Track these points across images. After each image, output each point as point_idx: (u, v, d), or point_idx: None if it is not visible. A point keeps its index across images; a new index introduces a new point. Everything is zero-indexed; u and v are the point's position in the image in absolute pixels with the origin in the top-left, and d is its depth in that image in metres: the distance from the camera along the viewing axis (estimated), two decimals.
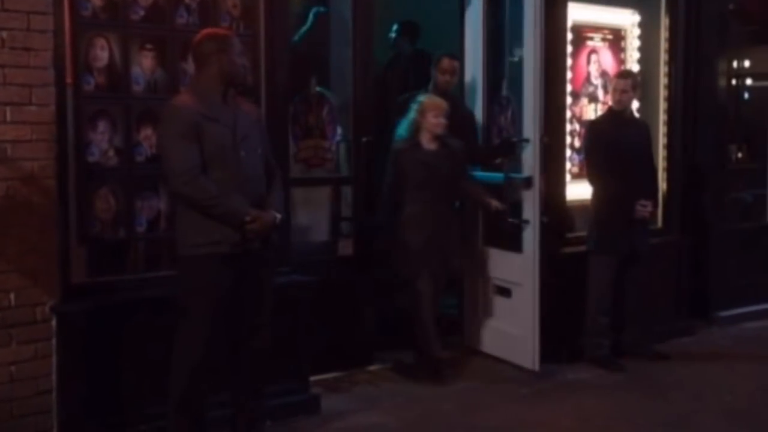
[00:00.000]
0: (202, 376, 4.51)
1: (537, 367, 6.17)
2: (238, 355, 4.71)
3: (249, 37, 5.38)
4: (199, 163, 4.38)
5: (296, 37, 6.41)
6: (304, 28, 6.64)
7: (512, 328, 6.38)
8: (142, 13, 5.06)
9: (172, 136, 4.43)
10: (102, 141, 4.95)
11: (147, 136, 5.01)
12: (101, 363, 4.79)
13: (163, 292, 4.76)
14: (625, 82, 6.54)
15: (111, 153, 4.98)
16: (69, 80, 4.79)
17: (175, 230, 4.64)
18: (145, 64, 5.08)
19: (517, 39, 6.62)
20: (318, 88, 6.27)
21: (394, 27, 7.88)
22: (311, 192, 6.31)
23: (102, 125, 4.94)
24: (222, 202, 4.39)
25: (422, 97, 6.16)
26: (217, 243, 4.41)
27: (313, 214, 6.36)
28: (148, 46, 5.08)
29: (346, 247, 6.30)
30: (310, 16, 6.66)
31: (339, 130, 6.32)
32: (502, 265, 6.52)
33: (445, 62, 6.52)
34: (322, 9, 6.66)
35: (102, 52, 4.94)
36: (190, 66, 4.98)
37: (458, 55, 6.80)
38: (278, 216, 4.58)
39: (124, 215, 5.03)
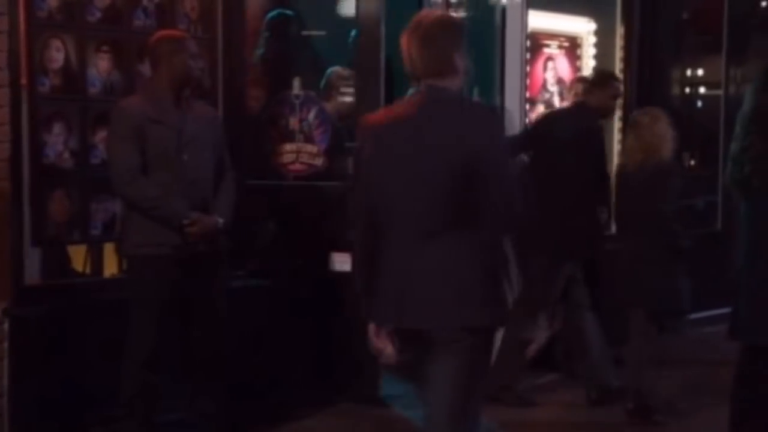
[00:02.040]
0: (150, 376, 4.49)
1: None
2: (191, 357, 4.70)
3: (207, 39, 5.38)
4: (139, 164, 4.38)
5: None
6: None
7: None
8: (98, 14, 5.03)
9: (115, 137, 4.48)
10: (57, 143, 4.91)
11: (103, 138, 4.96)
12: (55, 366, 4.75)
13: (117, 294, 4.73)
14: (585, 87, 6.59)
15: (66, 155, 4.95)
16: (24, 81, 4.74)
17: (122, 230, 4.67)
18: (101, 66, 5.05)
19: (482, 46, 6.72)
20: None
21: (353, 33, 7.88)
22: (292, 199, 6.03)
23: (57, 127, 4.91)
24: (161, 205, 4.40)
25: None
26: (160, 244, 4.42)
27: (297, 224, 6.10)
28: (105, 47, 5.05)
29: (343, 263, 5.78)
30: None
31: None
32: None
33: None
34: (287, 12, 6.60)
35: (58, 54, 4.91)
36: (146, 68, 4.96)
37: None
38: (221, 220, 4.57)
39: (79, 218, 5.00)
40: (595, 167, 5.87)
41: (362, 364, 5.57)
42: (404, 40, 3.23)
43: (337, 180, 5.83)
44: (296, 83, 5.99)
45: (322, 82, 6.14)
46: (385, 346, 3.25)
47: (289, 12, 6.39)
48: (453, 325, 3.08)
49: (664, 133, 5.52)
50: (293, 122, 5.94)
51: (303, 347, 5.76)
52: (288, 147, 5.93)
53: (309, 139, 5.94)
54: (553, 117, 6.41)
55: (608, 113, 6.23)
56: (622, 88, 6.36)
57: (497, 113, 3.36)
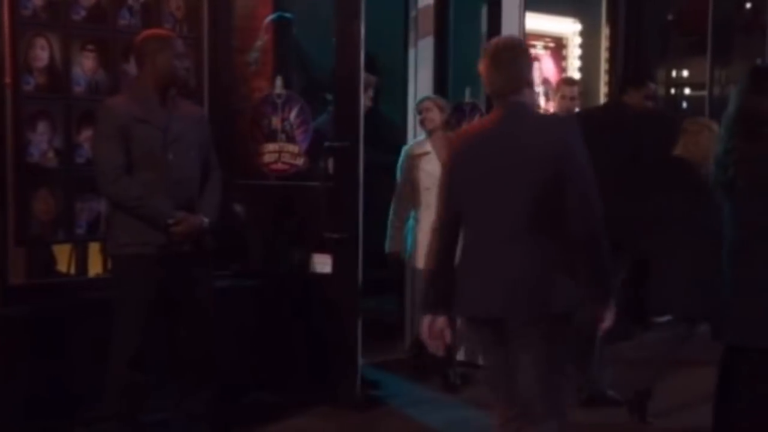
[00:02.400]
0: (136, 376, 4.48)
1: None
2: (176, 356, 4.69)
3: (192, 39, 5.37)
4: (124, 164, 4.37)
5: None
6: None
7: None
8: (83, 13, 5.02)
9: (100, 137, 4.46)
10: (41, 142, 4.89)
11: (87, 137, 4.94)
12: (40, 366, 4.74)
13: (102, 294, 4.72)
14: (571, 89, 6.61)
15: (51, 154, 4.93)
16: (8, 80, 4.73)
17: (107, 229, 4.67)
18: (86, 65, 5.04)
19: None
20: None
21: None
22: (276, 199, 6.00)
23: (42, 126, 4.89)
24: (145, 204, 4.39)
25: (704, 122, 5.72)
26: (145, 244, 4.41)
27: (279, 224, 6.07)
28: (90, 46, 5.04)
29: (324, 264, 5.75)
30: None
31: None
32: None
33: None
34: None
35: (42, 52, 4.89)
36: (132, 67, 4.96)
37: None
38: (206, 220, 4.57)
39: (64, 217, 4.98)
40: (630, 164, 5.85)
41: (347, 365, 5.60)
42: (482, 64, 3.67)
43: (319, 180, 5.79)
44: (278, 82, 5.93)
45: None
46: (438, 338, 3.66)
47: (288, 15, 6.38)
48: (533, 313, 3.50)
49: (709, 144, 5.49)
50: (275, 122, 5.90)
51: (289, 348, 5.75)
52: (270, 147, 5.90)
53: (291, 139, 5.89)
54: (587, 114, 6.44)
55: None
56: (656, 89, 6.40)
57: (572, 122, 3.77)
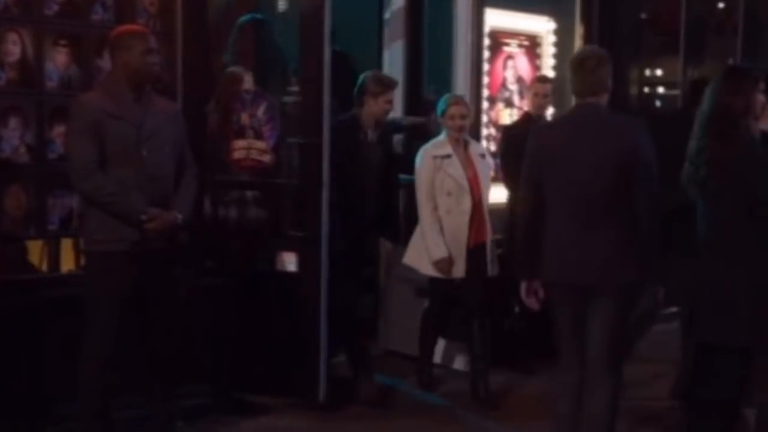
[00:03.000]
0: (108, 372, 4.45)
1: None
2: (149, 354, 4.67)
3: (166, 34, 5.34)
4: (96, 159, 4.34)
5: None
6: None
7: None
8: (56, 8, 4.99)
9: (73, 132, 4.44)
10: (13, 137, 4.86)
11: (60, 133, 4.93)
12: (10, 363, 4.70)
13: (75, 290, 4.69)
14: (545, 87, 6.62)
15: (23, 150, 4.90)
16: None
17: (80, 225, 4.64)
18: (58, 60, 5.01)
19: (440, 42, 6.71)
20: None
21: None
22: (245, 196, 5.94)
23: (13, 121, 4.86)
24: (118, 200, 4.37)
25: None
26: (118, 240, 4.39)
27: (246, 221, 5.97)
28: (62, 41, 5.01)
29: (290, 263, 5.70)
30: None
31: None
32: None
33: None
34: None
35: (14, 47, 4.86)
36: (105, 62, 4.92)
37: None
38: (180, 216, 4.55)
39: (36, 213, 4.95)
40: None
41: (314, 363, 5.56)
42: (569, 68, 4.33)
43: (286, 177, 5.75)
44: (248, 78, 5.89)
45: (356, 87, 5.95)
46: (532, 300, 4.36)
47: (259, 16, 6.32)
48: (611, 281, 4.12)
49: None
50: (244, 118, 5.86)
51: (258, 347, 5.73)
52: (239, 143, 5.85)
53: (258, 136, 5.85)
54: (658, 119, 6.50)
55: None
56: None
57: (642, 123, 4.22)
